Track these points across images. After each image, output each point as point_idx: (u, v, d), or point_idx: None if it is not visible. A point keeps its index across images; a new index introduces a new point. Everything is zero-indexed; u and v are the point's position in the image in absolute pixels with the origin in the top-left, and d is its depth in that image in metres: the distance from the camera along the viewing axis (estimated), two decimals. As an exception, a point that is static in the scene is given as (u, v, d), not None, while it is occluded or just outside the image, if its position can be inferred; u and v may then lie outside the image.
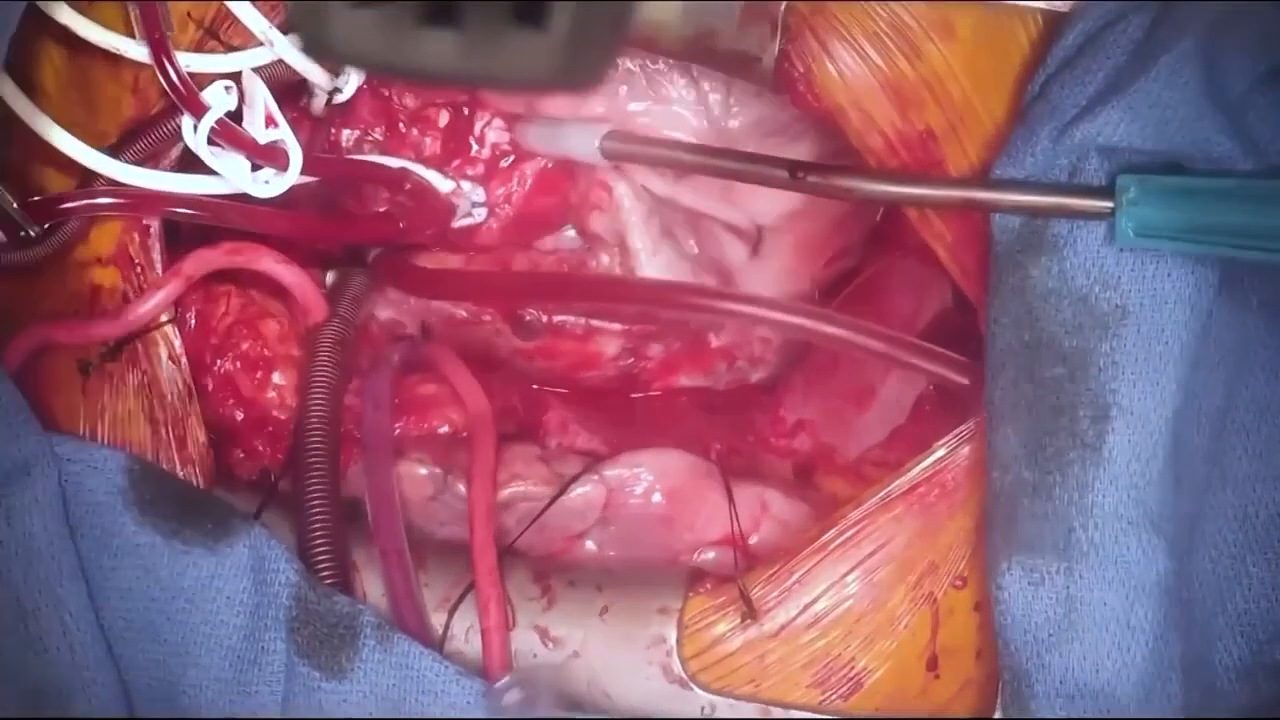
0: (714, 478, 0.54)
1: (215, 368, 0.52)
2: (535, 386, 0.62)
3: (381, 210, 0.57)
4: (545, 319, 0.60)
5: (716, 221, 0.58)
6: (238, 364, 0.52)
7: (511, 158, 0.57)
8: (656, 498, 0.53)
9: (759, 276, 0.58)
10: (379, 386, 0.52)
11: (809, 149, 0.54)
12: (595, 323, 0.60)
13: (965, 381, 0.47)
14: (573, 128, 0.53)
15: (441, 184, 0.56)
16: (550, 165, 0.57)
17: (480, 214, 0.58)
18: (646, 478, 0.53)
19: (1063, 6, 0.43)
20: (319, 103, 0.54)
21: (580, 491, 0.52)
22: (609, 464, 0.53)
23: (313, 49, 0.24)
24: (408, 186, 0.55)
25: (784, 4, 0.44)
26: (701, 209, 0.57)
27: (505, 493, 0.52)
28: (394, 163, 0.55)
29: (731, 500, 0.51)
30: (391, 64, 0.23)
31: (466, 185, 0.57)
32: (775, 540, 0.50)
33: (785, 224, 0.57)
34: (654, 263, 0.57)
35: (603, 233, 0.58)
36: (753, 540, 0.51)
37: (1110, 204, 0.41)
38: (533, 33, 0.23)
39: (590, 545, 0.53)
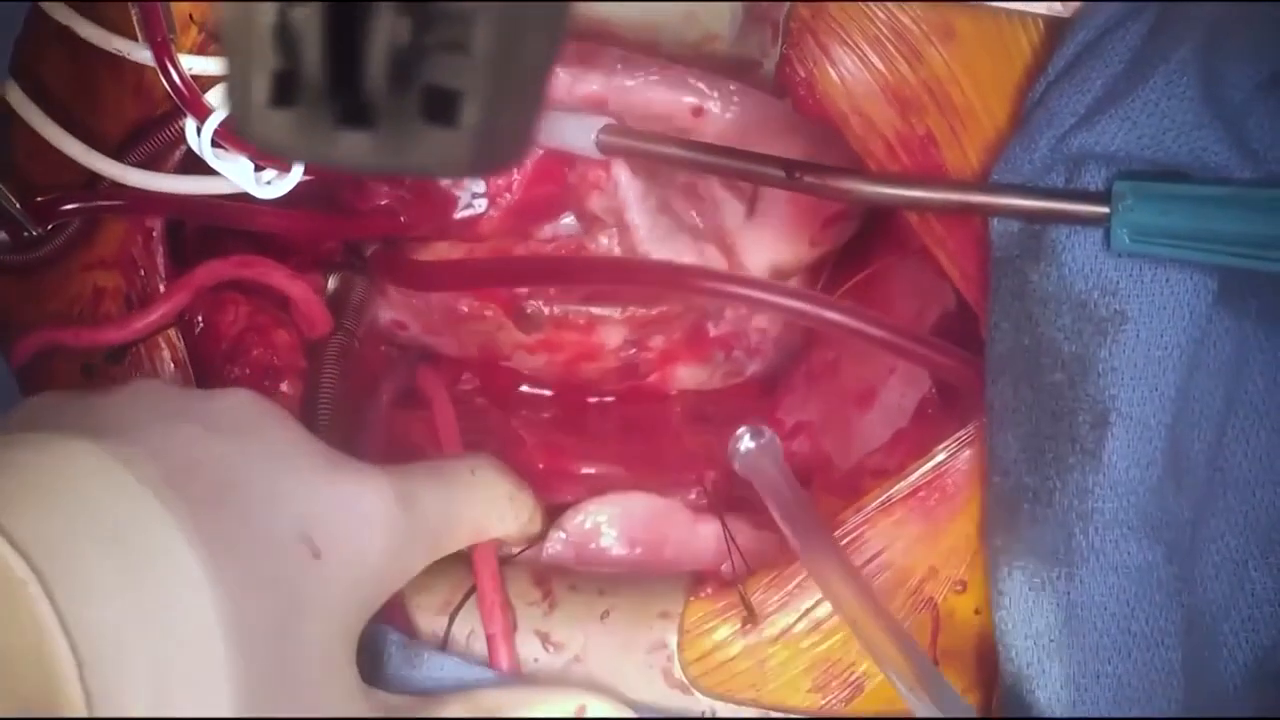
0: (680, 513, 0.57)
1: (226, 373, 0.55)
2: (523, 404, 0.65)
3: (382, 204, 0.59)
4: (547, 311, 0.62)
5: (713, 179, 0.60)
6: (248, 370, 0.55)
7: (510, 146, 0.60)
8: (620, 549, 0.56)
9: (757, 241, 0.60)
10: (375, 434, 0.56)
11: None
12: (598, 312, 0.62)
13: (968, 378, 0.49)
14: (569, 120, 0.55)
15: (442, 176, 0.59)
16: (548, 151, 0.59)
17: (481, 204, 0.60)
18: (609, 531, 0.56)
19: (1063, 11, 0.46)
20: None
21: (551, 552, 0.55)
22: (569, 514, 0.56)
23: (243, 139, 0.27)
24: (408, 180, 0.58)
25: (785, 8, 0.47)
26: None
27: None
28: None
29: (725, 522, 0.54)
30: (311, 159, 0.26)
31: (467, 176, 0.60)
32: (742, 570, 0.52)
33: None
34: (653, 237, 0.60)
35: (601, 213, 0.60)
36: (723, 567, 0.54)
37: (1106, 209, 0.43)
38: (444, 129, 0.25)
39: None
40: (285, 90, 0.25)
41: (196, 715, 0.35)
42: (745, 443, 0.53)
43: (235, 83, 0.26)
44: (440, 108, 0.25)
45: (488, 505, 0.50)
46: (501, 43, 0.25)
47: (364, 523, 0.43)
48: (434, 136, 0.25)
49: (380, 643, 0.49)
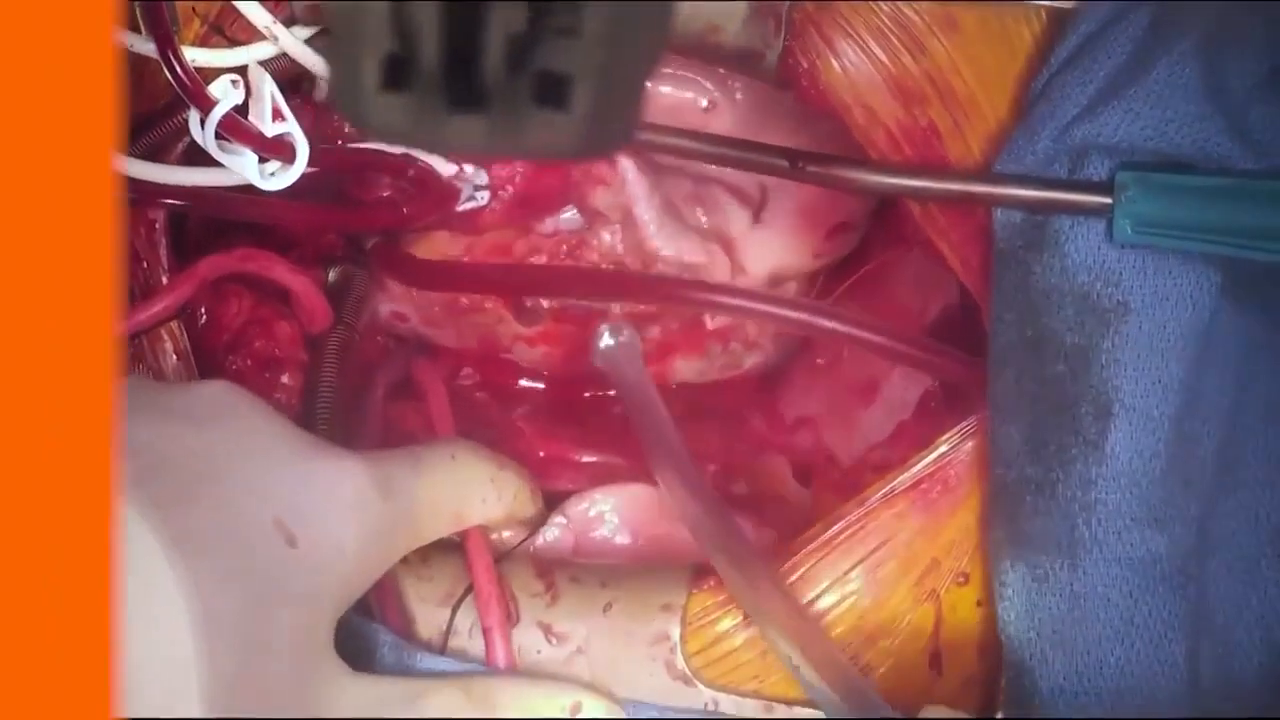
0: None
1: (228, 364, 0.56)
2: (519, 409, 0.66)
3: (385, 196, 0.60)
4: (546, 304, 0.63)
5: (721, 185, 0.61)
6: (249, 361, 0.56)
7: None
8: (622, 539, 0.57)
9: (761, 247, 0.61)
10: (371, 425, 0.57)
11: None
12: (596, 305, 0.63)
13: (968, 379, 0.50)
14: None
15: (444, 168, 0.59)
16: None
17: (483, 197, 0.61)
18: (611, 519, 0.57)
19: (1066, 4, 0.47)
20: (321, 91, 0.58)
21: (549, 537, 0.56)
22: (573, 500, 0.57)
23: (351, 124, 0.27)
24: (410, 173, 0.58)
25: (788, 0, 0.48)
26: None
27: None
28: (396, 149, 0.58)
29: None
30: (423, 143, 0.27)
31: (469, 168, 0.60)
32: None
33: (790, 186, 0.61)
34: (661, 235, 0.60)
35: (604, 209, 0.61)
36: None
37: (1109, 200, 0.44)
38: (555, 113, 0.26)
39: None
40: (397, 74, 0.26)
41: (165, 716, 0.35)
42: (605, 339, 0.53)
43: (344, 67, 0.26)
44: (552, 92, 0.26)
45: (468, 488, 0.50)
46: (612, 28, 0.26)
47: (340, 509, 0.43)
48: (545, 120, 0.26)
49: (373, 644, 0.49)
